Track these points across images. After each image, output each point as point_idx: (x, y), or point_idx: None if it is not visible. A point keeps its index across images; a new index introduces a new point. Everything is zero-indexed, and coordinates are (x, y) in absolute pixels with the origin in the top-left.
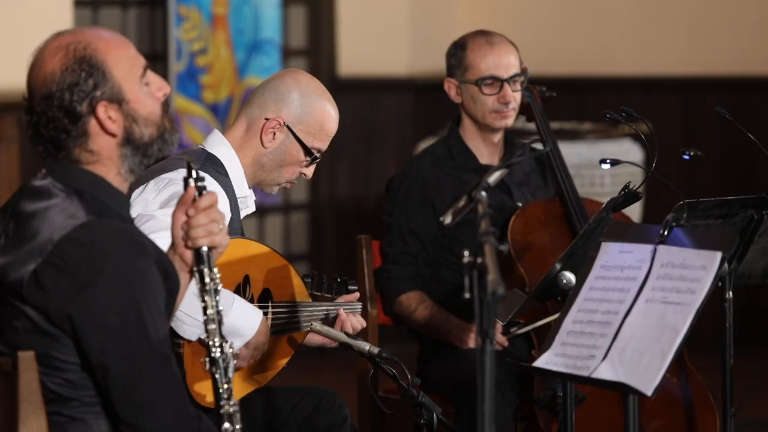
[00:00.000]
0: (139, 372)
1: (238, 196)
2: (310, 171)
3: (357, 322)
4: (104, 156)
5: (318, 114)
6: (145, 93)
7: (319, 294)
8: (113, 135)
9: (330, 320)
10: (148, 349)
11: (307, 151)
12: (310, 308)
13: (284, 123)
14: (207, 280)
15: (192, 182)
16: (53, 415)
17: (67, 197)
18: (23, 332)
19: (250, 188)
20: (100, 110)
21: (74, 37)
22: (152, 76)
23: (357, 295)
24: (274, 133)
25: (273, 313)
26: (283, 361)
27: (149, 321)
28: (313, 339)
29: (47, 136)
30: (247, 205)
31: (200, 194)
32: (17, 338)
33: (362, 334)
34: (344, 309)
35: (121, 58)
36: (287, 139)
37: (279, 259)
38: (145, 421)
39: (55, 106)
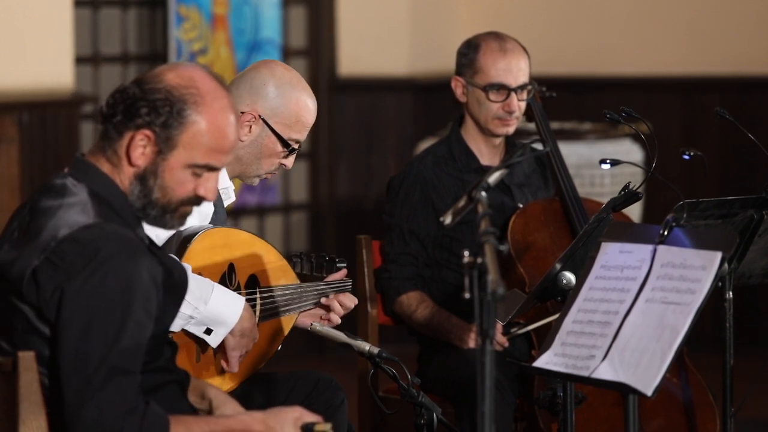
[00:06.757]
0: (87, 380)
1: (219, 187)
2: (289, 161)
3: (348, 300)
4: (122, 168)
5: (294, 105)
6: (186, 175)
7: (307, 274)
8: (131, 161)
9: (320, 304)
10: (102, 357)
11: (284, 143)
12: (299, 290)
13: (259, 116)
14: None
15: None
16: (54, 415)
17: (83, 198)
18: (22, 332)
19: (230, 180)
20: (141, 136)
21: (203, 88)
22: (213, 180)
23: (345, 272)
24: (250, 126)
25: (261, 299)
26: (276, 345)
27: (116, 329)
28: (303, 321)
29: (110, 101)
30: (229, 195)
31: None
32: (16, 339)
33: (362, 335)
34: (334, 287)
35: (202, 138)
36: (263, 132)
37: (262, 243)
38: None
39: (135, 93)
